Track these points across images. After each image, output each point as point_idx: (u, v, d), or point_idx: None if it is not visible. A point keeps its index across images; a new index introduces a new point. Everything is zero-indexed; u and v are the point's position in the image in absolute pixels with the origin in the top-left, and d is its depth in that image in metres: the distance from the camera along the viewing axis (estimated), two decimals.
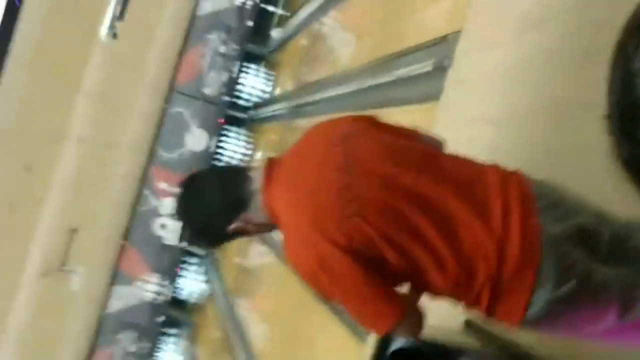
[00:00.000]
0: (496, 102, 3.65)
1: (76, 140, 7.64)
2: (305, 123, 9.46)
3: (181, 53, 13.43)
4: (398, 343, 2.88)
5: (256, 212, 2.05)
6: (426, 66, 4.89)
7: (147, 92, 11.73)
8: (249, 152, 14.43)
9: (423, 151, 2.01)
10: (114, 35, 7.22)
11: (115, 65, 8.58)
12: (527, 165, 2.09)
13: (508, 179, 1.92)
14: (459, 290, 1.89)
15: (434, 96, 4.46)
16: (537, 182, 1.96)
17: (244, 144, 14.61)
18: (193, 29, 13.45)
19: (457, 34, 4.50)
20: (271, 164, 2.07)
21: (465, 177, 1.92)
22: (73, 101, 7.15)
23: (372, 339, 3.56)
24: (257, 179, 2.05)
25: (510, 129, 3.48)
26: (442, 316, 2.96)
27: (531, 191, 1.89)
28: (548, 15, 3.34)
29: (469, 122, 3.80)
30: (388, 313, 1.88)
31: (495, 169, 1.97)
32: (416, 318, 1.95)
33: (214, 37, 13.69)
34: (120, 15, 7.18)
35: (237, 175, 2.09)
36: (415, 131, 2.17)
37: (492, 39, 3.88)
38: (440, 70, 4.59)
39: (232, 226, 2.07)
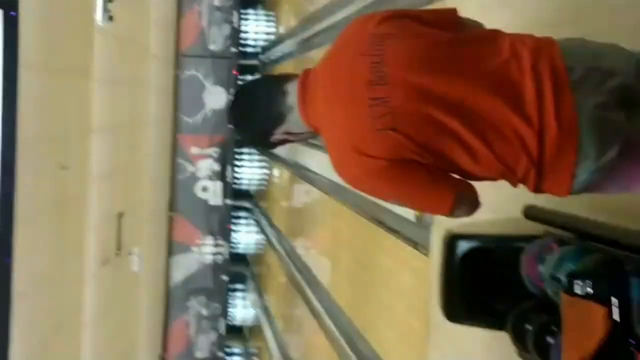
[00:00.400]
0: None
1: (100, 128, 7.69)
2: (318, 53, 9.39)
3: (178, 17, 13.39)
4: (464, 246, 2.92)
5: (295, 124, 2.07)
6: None
7: (155, 64, 11.73)
8: None
9: (455, 45, 1.93)
10: (110, 18, 7.20)
11: (118, 46, 8.57)
12: (553, 28, 2.03)
13: (540, 56, 1.87)
14: (503, 177, 1.92)
15: None
16: (569, 47, 1.91)
17: None
18: None
19: None
20: (306, 77, 2.05)
21: (498, 64, 1.87)
22: (88, 92, 7.18)
23: (437, 248, 3.61)
24: (293, 93, 2.05)
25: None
26: (499, 210, 2.99)
27: (564, 65, 1.85)
28: None
29: (487, 4, 3.72)
30: (444, 193, 1.92)
31: (527, 45, 1.90)
32: (471, 193, 1.96)
33: None
34: None
35: (274, 89, 2.07)
36: (450, 14, 2.08)
37: None
38: None
39: (274, 137, 2.11)
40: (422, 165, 1.88)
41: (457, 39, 1.95)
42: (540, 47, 1.89)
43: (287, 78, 2.09)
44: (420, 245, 4.70)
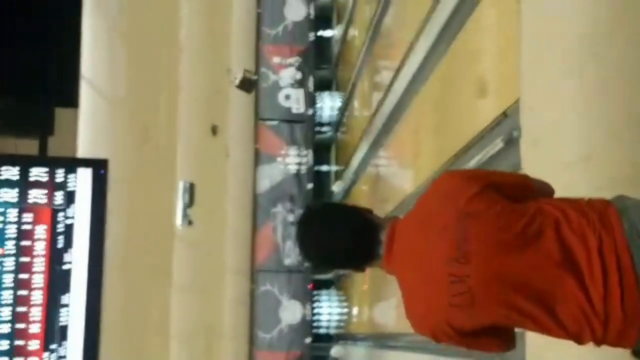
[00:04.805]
0: (578, 141, 3.61)
1: (178, 335, 7.68)
2: None
3: (253, 233, 13.70)
4: None
5: (375, 265, 2.24)
6: (497, 145, 4.90)
7: (231, 277, 11.86)
8: (345, 309, 14.33)
9: (530, 225, 2.01)
10: (189, 222, 7.43)
11: (196, 253, 8.76)
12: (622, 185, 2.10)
13: (605, 238, 1.93)
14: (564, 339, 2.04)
15: (515, 167, 4.43)
16: (630, 210, 1.96)
17: (337, 303, 14.53)
18: (258, 208, 13.79)
19: (515, 104, 4.52)
20: (392, 234, 2.17)
21: (567, 247, 1.96)
22: (167, 296, 7.26)
23: None
24: (382, 244, 2.18)
25: (598, 161, 3.42)
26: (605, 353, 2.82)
27: (625, 239, 1.91)
28: (603, 30, 3.36)
29: (560, 171, 3.74)
30: (490, 349, 2.14)
31: (592, 227, 1.96)
32: (509, 347, 2.17)
33: (279, 209, 13.96)
34: (189, 203, 7.43)
35: (370, 235, 2.19)
36: (525, 183, 2.19)
37: (553, 87, 3.90)
38: (512, 142, 4.59)
39: (348, 270, 2.33)
40: (479, 335, 2.06)
41: (531, 224, 2.02)
42: (604, 220, 1.96)
43: (379, 227, 2.20)
44: None
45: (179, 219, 7.14)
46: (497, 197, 2.04)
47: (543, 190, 2.18)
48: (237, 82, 10.42)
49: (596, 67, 3.49)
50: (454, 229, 2.01)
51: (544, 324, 1.96)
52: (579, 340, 1.99)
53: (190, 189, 7.35)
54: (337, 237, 2.17)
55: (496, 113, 5.05)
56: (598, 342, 1.97)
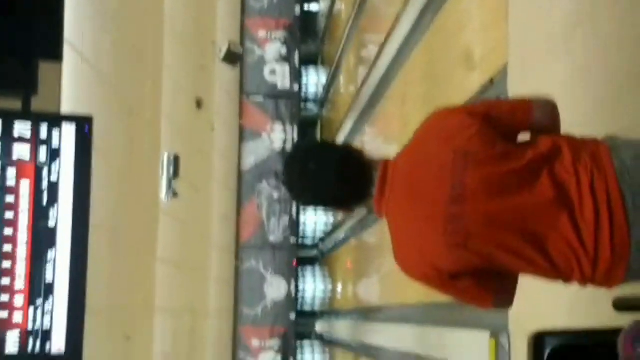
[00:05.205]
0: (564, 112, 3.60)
1: (162, 308, 7.66)
2: (370, 235, 9.42)
3: (238, 209, 13.69)
4: (553, 341, 2.73)
5: (365, 205, 2.14)
6: None
7: (216, 254, 11.85)
8: (329, 286, 14.39)
9: (527, 168, 1.99)
10: (174, 194, 7.38)
11: (181, 229, 8.73)
12: None
13: (597, 176, 1.93)
14: (552, 279, 2.03)
15: None
16: (621, 149, 1.96)
17: (321, 279, 14.59)
18: (243, 184, 13.77)
19: (502, 71, 4.52)
20: (385, 175, 2.08)
21: (560, 183, 1.95)
22: (153, 271, 7.23)
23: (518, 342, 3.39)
24: (374, 184, 2.08)
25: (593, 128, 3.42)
26: (587, 312, 2.83)
27: (616, 177, 1.92)
28: (590, 9, 3.34)
29: None
30: (486, 297, 2.07)
31: (584, 164, 1.95)
32: (508, 295, 2.11)
33: (264, 186, 13.97)
34: (174, 175, 7.37)
35: (362, 175, 2.09)
36: (526, 113, 2.10)
37: (540, 57, 3.88)
38: None
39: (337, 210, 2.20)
40: (473, 273, 2.01)
41: (528, 166, 2.00)
42: (597, 160, 1.96)
43: (372, 167, 2.10)
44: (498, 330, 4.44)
45: (163, 192, 7.08)
46: (495, 137, 2.01)
47: (545, 114, 2.11)
48: (222, 54, 10.33)
49: (583, 31, 3.48)
50: (451, 169, 1.98)
51: (536, 263, 1.95)
52: (568, 279, 1.98)
53: (175, 161, 7.30)
54: (327, 176, 2.09)
55: (483, 80, 5.04)
56: (586, 282, 1.96)
